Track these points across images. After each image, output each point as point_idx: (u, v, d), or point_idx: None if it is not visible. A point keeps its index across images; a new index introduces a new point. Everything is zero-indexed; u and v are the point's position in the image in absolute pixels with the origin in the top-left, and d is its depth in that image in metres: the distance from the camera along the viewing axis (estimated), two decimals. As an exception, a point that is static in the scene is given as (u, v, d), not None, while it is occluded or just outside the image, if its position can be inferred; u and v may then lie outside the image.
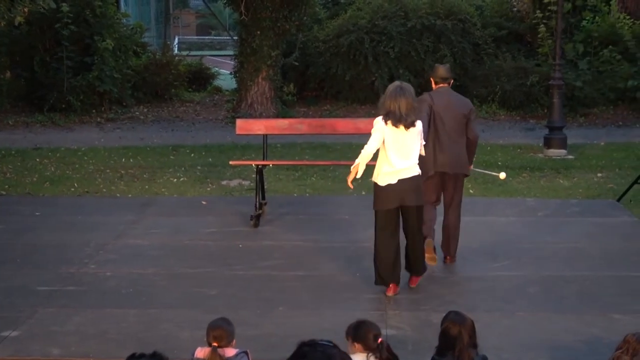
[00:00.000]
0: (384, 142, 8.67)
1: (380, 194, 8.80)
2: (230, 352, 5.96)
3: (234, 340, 6.05)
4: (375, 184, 8.84)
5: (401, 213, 8.88)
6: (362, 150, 8.75)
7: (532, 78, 20.79)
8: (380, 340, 5.78)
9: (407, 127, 8.60)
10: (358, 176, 8.84)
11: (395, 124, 8.57)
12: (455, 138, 9.69)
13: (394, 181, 8.70)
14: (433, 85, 9.87)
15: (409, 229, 8.96)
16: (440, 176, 9.75)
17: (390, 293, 8.98)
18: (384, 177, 8.74)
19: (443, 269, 9.88)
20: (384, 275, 8.97)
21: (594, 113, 20.92)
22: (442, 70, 9.91)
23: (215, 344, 5.90)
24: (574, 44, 21.50)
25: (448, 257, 10.07)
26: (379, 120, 8.68)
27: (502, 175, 10.65)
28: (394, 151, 8.66)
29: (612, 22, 21.66)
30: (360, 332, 5.86)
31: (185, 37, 42.22)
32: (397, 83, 8.87)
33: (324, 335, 5.55)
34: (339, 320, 7.60)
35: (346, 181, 9.07)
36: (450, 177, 9.81)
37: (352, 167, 8.84)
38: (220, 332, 5.98)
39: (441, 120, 9.59)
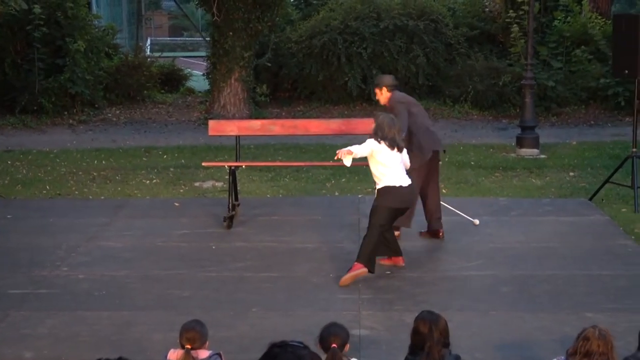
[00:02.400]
0: (383, 159, 9.49)
1: (398, 192, 9.54)
2: (203, 354, 5.95)
3: (207, 342, 6.05)
4: (390, 186, 9.52)
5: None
6: (354, 148, 9.46)
7: (504, 78, 20.84)
8: (333, 345, 5.77)
9: (400, 150, 9.58)
10: (347, 164, 9.48)
11: (392, 146, 9.47)
12: (430, 124, 11.03)
13: (405, 184, 9.57)
14: (388, 93, 10.76)
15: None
16: (434, 155, 10.80)
17: (402, 263, 9.90)
18: (396, 179, 9.53)
19: (416, 268, 9.90)
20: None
21: (566, 112, 20.99)
22: (390, 78, 11.04)
23: (188, 346, 5.89)
24: (547, 44, 21.59)
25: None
26: (372, 140, 9.52)
27: (477, 221, 11.41)
28: (394, 167, 9.52)
29: (584, 22, 21.75)
30: (323, 336, 5.89)
31: (158, 38, 42.06)
32: (389, 115, 9.78)
33: (297, 337, 5.56)
34: (312, 321, 7.62)
35: (336, 156, 9.51)
36: (436, 155, 10.90)
37: (346, 150, 9.40)
38: (193, 334, 5.97)
39: (418, 114, 10.78)
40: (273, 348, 4.57)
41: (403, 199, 9.61)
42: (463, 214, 11.46)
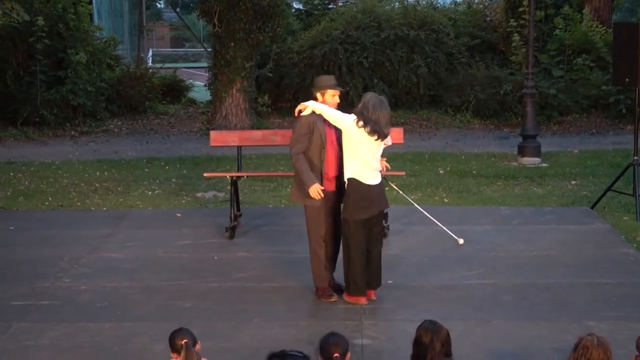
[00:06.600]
0: (357, 145, 8.67)
1: (365, 196, 8.73)
2: (198, 347, 5.96)
3: (198, 344, 6.02)
4: (359, 182, 8.71)
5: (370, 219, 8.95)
6: (325, 108, 9.02)
7: (505, 87, 20.87)
8: (335, 355, 5.73)
9: (383, 139, 8.72)
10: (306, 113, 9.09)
11: (372, 133, 8.62)
12: None
13: (377, 182, 8.82)
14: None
15: (375, 237, 9.04)
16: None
17: (374, 297, 9.06)
18: (368, 176, 8.75)
19: (417, 278, 9.89)
20: (362, 285, 8.98)
21: (567, 121, 21.01)
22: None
23: (185, 341, 5.87)
24: (548, 53, 21.61)
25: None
26: (353, 117, 8.69)
27: (461, 241, 10.62)
28: (369, 156, 8.74)
29: (585, 31, 21.77)
30: (323, 346, 5.86)
31: (159, 49, 42.22)
32: (376, 94, 8.92)
33: (299, 347, 5.56)
34: (314, 331, 7.62)
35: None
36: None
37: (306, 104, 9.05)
38: (182, 334, 5.99)
39: None
40: (272, 358, 4.58)
41: (373, 204, 8.76)
42: (448, 231, 10.84)
